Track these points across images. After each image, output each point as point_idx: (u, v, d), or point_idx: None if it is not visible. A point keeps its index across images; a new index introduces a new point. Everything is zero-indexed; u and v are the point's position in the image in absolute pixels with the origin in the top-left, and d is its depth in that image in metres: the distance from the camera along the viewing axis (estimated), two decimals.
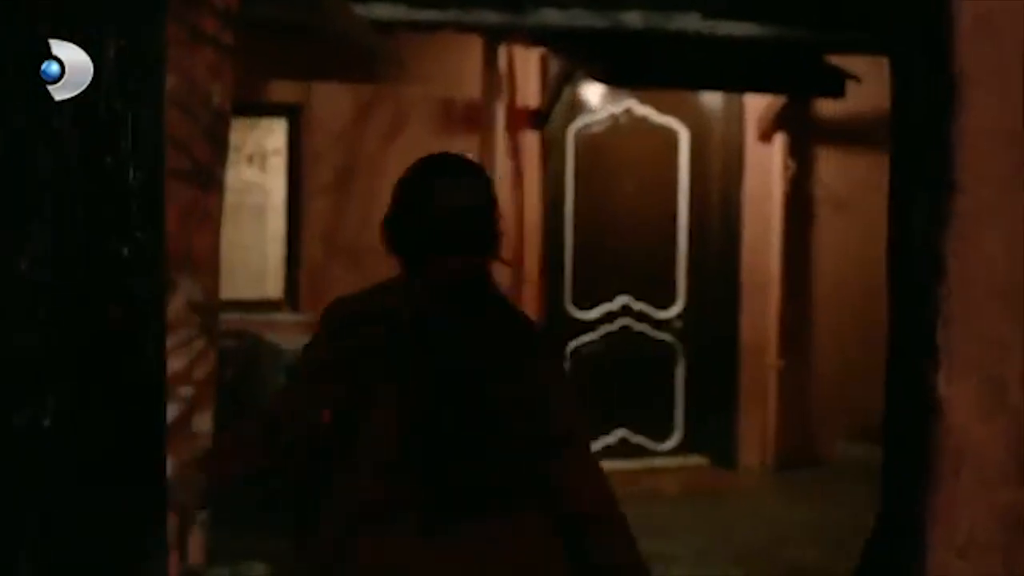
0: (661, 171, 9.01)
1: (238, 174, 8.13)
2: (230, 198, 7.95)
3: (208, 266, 5.35)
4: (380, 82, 8.17)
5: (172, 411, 4.83)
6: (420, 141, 8.06)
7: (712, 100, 9.13)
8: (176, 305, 4.96)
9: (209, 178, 5.31)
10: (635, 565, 2.78)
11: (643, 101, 8.87)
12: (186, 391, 5.11)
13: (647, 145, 8.94)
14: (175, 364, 4.88)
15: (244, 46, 7.74)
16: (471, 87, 8.18)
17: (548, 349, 3.02)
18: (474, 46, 8.09)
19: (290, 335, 7.52)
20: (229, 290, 7.67)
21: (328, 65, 8.03)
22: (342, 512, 2.70)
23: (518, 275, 8.37)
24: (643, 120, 8.90)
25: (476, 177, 3.04)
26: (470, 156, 3.27)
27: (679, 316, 9.09)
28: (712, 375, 9.13)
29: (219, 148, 5.38)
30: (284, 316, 8.09)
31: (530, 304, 8.39)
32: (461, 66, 8.25)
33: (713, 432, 9.07)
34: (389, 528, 2.65)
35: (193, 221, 5.22)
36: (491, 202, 3.06)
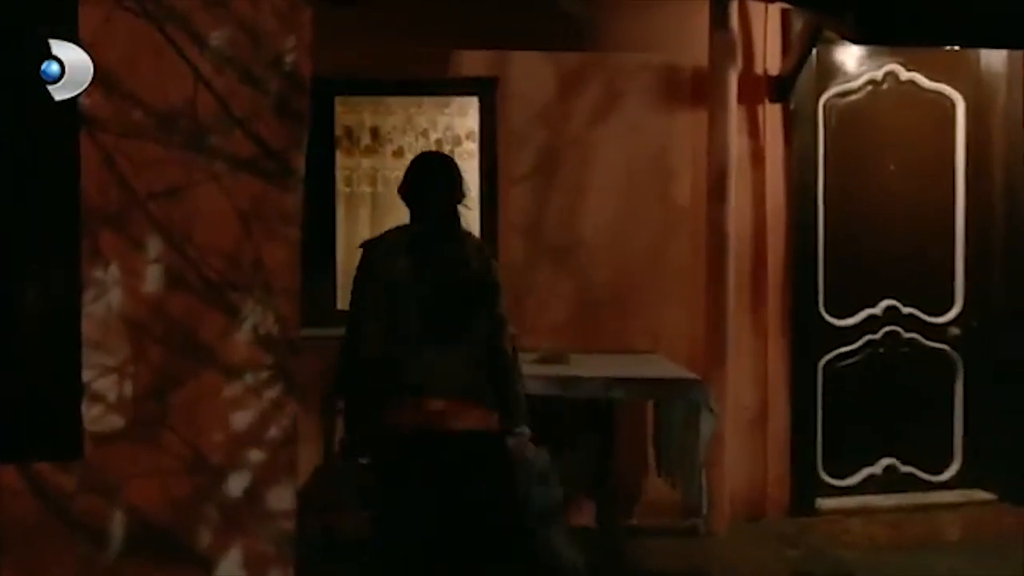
0: (932, 148, 8.29)
1: None
2: None
3: (284, 285, 4.57)
4: (588, 50, 7.58)
5: (238, 482, 4.29)
6: (636, 118, 7.66)
7: (995, 62, 8.34)
8: (239, 339, 4.29)
9: (283, 167, 4.50)
10: (513, 392, 5.42)
11: (909, 64, 8.18)
12: (256, 456, 4.36)
13: (914, 117, 8.23)
14: (239, 420, 4.30)
15: (426, 13, 7.44)
16: (697, 52, 7.53)
17: (490, 257, 5.47)
18: (701, 3, 7.43)
19: None
20: None
21: (527, 32, 7.46)
22: (394, 344, 5.20)
23: (757, 275, 7.77)
24: (909, 87, 8.18)
25: (446, 161, 5.61)
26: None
27: (957, 321, 8.33)
28: (999, 391, 8.31)
29: (295, 126, 4.50)
30: None
31: (775, 311, 7.81)
32: (685, 27, 7.61)
33: (1001, 460, 8.26)
34: (416, 349, 5.17)
35: (261, 226, 4.45)
36: (456, 174, 5.49)
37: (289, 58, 4.42)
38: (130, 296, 4.14)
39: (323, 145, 7.53)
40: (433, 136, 7.82)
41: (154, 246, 4.18)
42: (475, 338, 5.28)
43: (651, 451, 7.52)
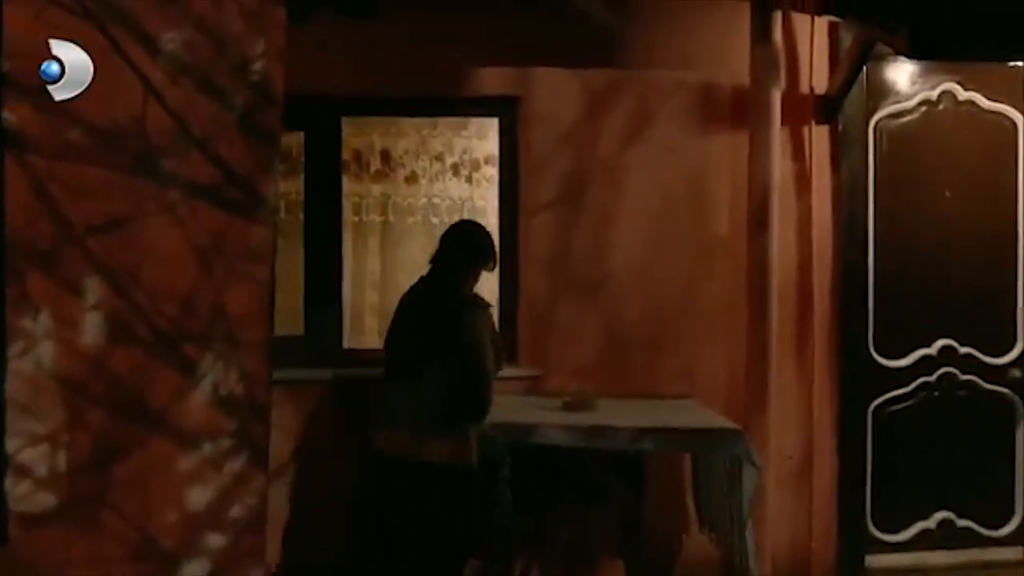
0: (992, 173, 7.69)
1: (443, 189, 7.43)
2: (432, 219, 7.21)
3: (251, 336, 3.82)
4: (619, 67, 7.06)
5: (195, 572, 3.56)
6: (671, 141, 7.21)
7: None
8: (195, 400, 3.51)
9: (250, 195, 3.78)
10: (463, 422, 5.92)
11: (967, 83, 7.58)
12: (216, 541, 3.64)
13: (973, 140, 7.63)
14: (196, 497, 3.57)
15: (441, 26, 6.92)
16: (738, 69, 7.02)
17: (467, 313, 5.99)
18: (741, 16, 6.93)
19: (507, 397, 6.54)
20: None
21: (552, 47, 6.97)
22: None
23: (802, 312, 7.24)
24: (967, 107, 7.58)
25: (470, 229, 6.30)
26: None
27: (1019, 362, 7.70)
28: None
29: (264, 147, 3.80)
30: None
31: (821, 351, 7.29)
32: (724, 42, 7.11)
33: None
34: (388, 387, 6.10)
35: (223, 264, 3.72)
36: (478, 242, 6.21)
37: (257, 66, 3.67)
38: (65, 350, 3.43)
39: (329, 170, 7.01)
40: (449, 160, 7.37)
41: (93, 290, 3.45)
42: (438, 383, 5.89)
43: (690, 502, 7.03)
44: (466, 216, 7.16)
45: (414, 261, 7.02)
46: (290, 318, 6.85)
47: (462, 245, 6.07)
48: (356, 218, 7.26)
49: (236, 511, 3.56)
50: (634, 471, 6.62)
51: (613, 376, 7.05)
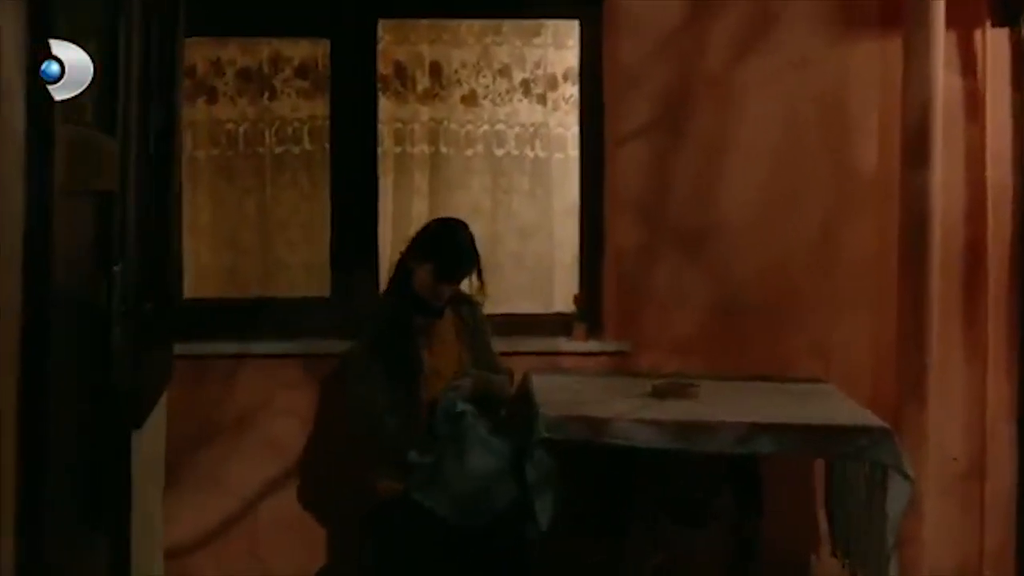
0: None
1: (511, 113, 6.41)
2: (496, 151, 6.25)
3: None
4: None
5: None
6: (800, 50, 6.03)
7: None
8: None
9: None
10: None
11: None
12: None
13: None
14: None
15: None
16: None
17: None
18: None
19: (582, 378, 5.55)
20: (489, 302, 5.94)
21: None
22: None
23: (972, 273, 6.04)
24: None
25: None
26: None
27: None
28: None
29: None
30: (576, 343, 5.86)
31: (996, 324, 6.06)
32: None
33: None
34: None
35: None
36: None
37: None
38: None
39: (362, 88, 5.83)
40: (518, 76, 6.28)
41: None
42: None
43: (822, 518, 5.87)
44: (539, 147, 6.21)
45: (473, 203, 6.10)
46: (312, 277, 5.91)
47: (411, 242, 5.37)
48: (398, 149, 6.26)
49: None
50: (748, 479, 5.38)
51: (722, 353, 5.97)
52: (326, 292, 5.78)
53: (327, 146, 5.85)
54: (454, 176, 6.22)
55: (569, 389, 5.19)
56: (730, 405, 5.14)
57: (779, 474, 5.72)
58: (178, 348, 5.39)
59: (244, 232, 6.09)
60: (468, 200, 6.17)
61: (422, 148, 6.25)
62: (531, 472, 4.75)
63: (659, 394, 5.15)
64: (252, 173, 6.05)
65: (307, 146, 5.99)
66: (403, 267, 5.38)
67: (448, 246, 5.16)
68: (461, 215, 5.90)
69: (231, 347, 5.58)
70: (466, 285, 5.26)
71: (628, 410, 4.97)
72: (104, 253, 2.85)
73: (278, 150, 6.02)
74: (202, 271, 6.00)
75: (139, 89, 3.12)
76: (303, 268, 5.98)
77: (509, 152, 6.19)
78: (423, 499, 4.85)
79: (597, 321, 5.90)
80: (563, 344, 5.84)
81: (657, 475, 5.29)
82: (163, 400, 4.06)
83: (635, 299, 5.90)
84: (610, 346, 5.81)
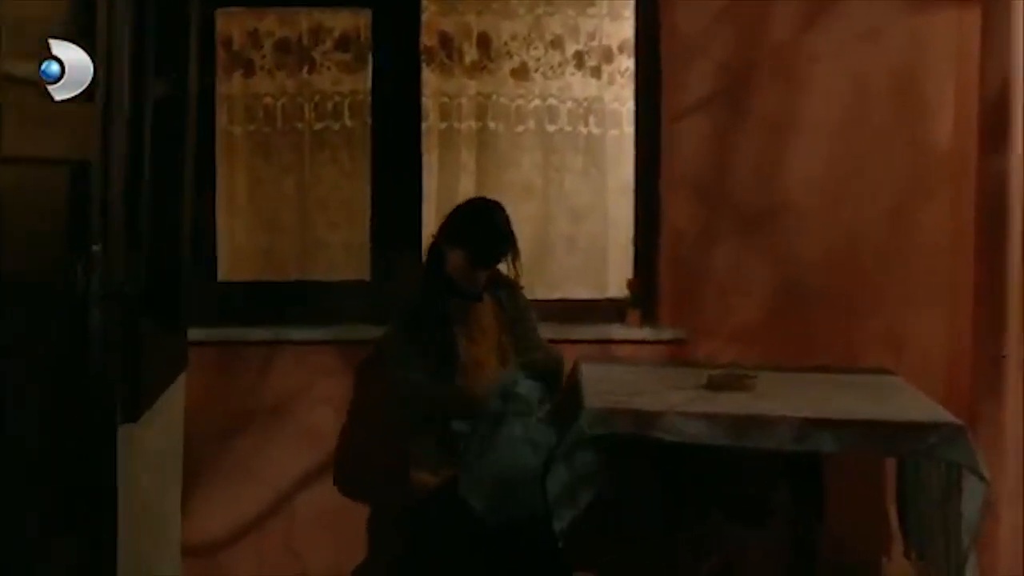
0: None
1: (564, 87, 6.15)
2: (548, 127, 6.37)
3: None
4: None
5: None
6: (870, 19, 5.75)
7: None
8: None
9: None
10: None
11: None
12: None
13: None
14: None
15: None
16: None
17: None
18: None
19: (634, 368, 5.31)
20: (538, 286, 5.96)
21: None
22: None
23: None
24: None
25: None
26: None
27: None
28: None
29: None
30: (629, 331, 5.61)
31: None
32: None
33: None
34: None
35: None
36: None
37: None
38: None
39: (405, 61, 5.59)
40: (571, 48, 6.02)
41: None
42: None
43: (893, 516, 5.56)
44: (593, 123, 5.98)
45: (524, 182, 5.89)
46: (352, 259, 5.70)
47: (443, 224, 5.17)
48: (443, 125, 6.05)
49: None
50: (807, 474, 5.06)
51: (785, 342, 5.72)
52: (366, 275, 5.53)
53: (369, 122, 5.58)
54: (503, 154, 6.00)
55: (620, 380, 4.94)
56: (790, 398, 4.85)
57: (846, 469, 5.44)
58: (210, 334, 5.22)
59: (282, 212, 5.86)
60: (518, 179, 5.96)
61: (469, 124, 6.04)
62: (561, 475, 4.50)
63: (715, 386, 4.85)
64: (290, 150, 5.83)
65: (348, 122, 5.77)
66: (436, 251, 5.16)
67: (482, 230, 4.92)
68: (510, 195, 5.70)
69: (266, 333, 5.32)
70: (505, 268, 4.99)
71: (680, 403, 4.68)
72: (81, 230, 2.64)
73: (318, 126, 5.79)
74: (238, 253, 5.78)
75: (132, 56, 2.90)
76: (342, 250, 5.77)
77: (561, 128, 5.94)
78: (461, 490, 4.61)
79: (652, 307, 5.68)
80: (615, 332, 5.61)
81: (711, 470, 5.03)
82: (177, 390, 3.82)
83: (693, 284, 5.71)
84: (665, 334, 5.56)
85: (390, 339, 4.97)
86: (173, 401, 3.78)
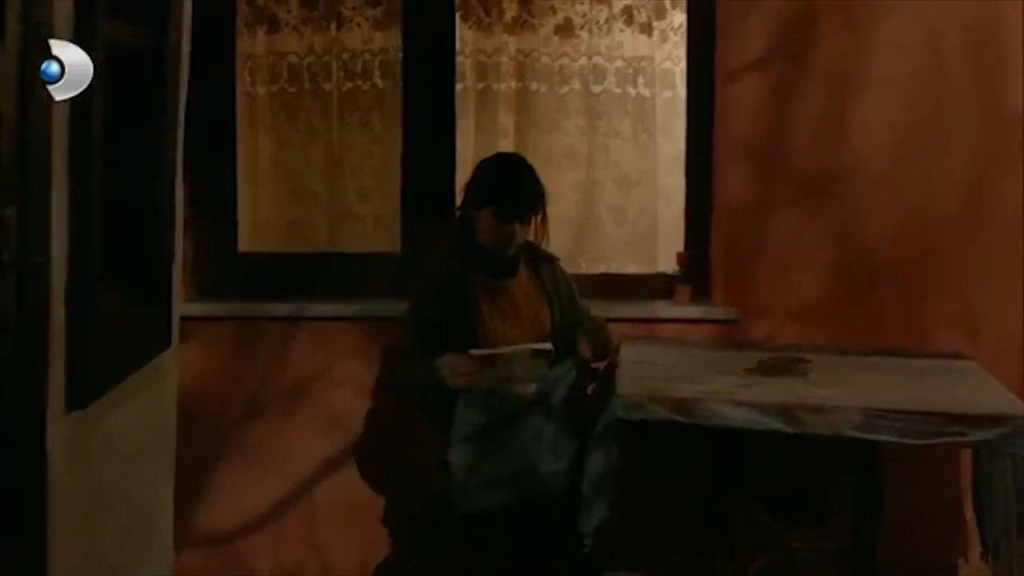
0: None
1: (612, 45, 5.67)
2: (594, 88, 5.73)
3: None
4: None
5: None
6: None
7: None
8: None
9: None
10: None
11: None
12: None
13: None
14: None
15: None
16: None
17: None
18: None
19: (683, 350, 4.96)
20: (583, 260, 5.64)
21: None
22: None
23: None
24: None
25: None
26: None
27: None
28: None
29: None
30: (678, 308, 5.28)
31: None
32: None
33: None
34: None
35: None
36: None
37: None
38: None
39: (439, 16, 5.28)
40: (619, 3, 5.59)
41: None
42: None
43: (969, 512, 5.11)
44: (642, 84, 5.56)
45: (567, 148, 5.50)
46: (381, 230, 5.38)
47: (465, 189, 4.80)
48: (480, 85, 5.66)
49: None
50: (865, 468, 4.72)
51: (848, 322, 5.34)
52: (396, 248, 5.23)
53: (400, 82, 5.28)
54: (545, 116, 5.61)
55: (662, 362, 4.57)
56: (847, 385, 4.48)
57: (917, 463, 5.13)
58: (226, 309, 4.99)
59: (307, 178, 5.53)
60: (561, 144, 5.57)
61: (508, 84, 5.64)
62: (597, 462, 4.15)
63: (764, 370, 4.46)
64: (317, 112, 5.45)
65: (378, 82, 5.41)
66: (462, 220, 4.76)
67: (507, 181, 4.54)
68: (553, 161, 5.43)
69: (286, 308, 5.02)
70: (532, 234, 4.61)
71: (724, 388, 4.31)
72: None
73: (346, 86, 5.42)
74: (260, 222, 5.47)
75: None
76: (372, 220, 5.42)
77: (609, 90, 5.53)
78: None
79: (704, 284, 5.33)
80: (662, 310, 5.23)
81: (763, 464, 4.67)
82: (158, 370, 3.51)
83: (748, 258, 5.33)
84: (717, 313, 5.20)
85: (407, 318, 4.61)
86: (153, 383, 3.46)
